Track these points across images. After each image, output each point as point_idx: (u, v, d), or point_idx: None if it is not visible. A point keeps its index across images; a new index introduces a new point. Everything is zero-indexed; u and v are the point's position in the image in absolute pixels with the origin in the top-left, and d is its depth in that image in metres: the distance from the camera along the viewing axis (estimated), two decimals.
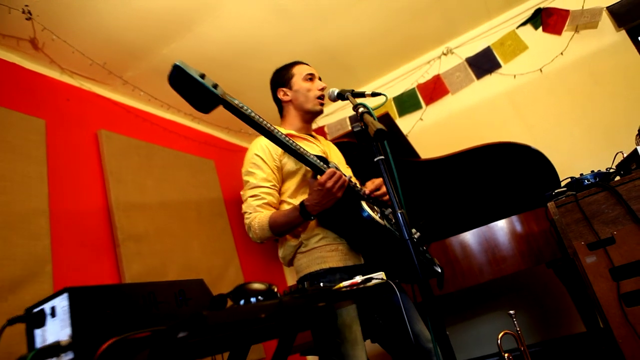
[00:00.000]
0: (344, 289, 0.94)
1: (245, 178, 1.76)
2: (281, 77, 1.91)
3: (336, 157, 1.96)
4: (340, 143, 2.29)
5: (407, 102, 4.10)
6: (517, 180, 2.93)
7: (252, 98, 3.61)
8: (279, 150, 1.73)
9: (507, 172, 2.93)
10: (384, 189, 1.72)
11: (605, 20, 3.40)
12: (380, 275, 1.00)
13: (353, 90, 1.44)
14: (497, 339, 1.83)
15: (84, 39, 2.60)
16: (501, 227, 2.54)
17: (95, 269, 2.58)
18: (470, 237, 2.55)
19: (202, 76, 1.19)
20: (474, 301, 3.55)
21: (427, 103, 4.03)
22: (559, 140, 3.46)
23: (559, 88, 3.55)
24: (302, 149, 1.47)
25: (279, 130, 1.41)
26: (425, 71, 4.06)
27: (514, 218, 2.54)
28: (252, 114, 1.29)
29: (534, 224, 2.50)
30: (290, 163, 1.72)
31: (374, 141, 0.89)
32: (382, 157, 1.01)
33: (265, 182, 1.70)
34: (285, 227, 1.63)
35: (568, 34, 3.54)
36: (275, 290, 0.81)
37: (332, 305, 0.92)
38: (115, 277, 2.67)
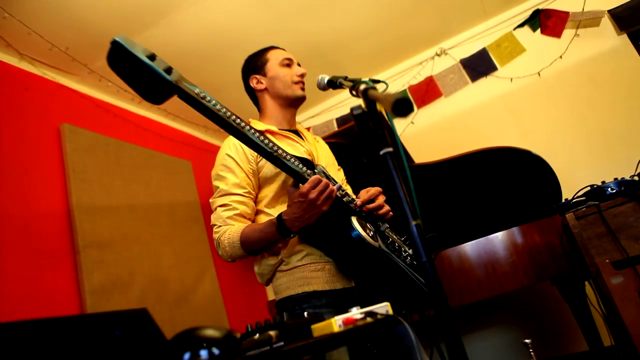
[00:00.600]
0: (339, 329, 0.70)
1: (215, 183, 1.50)
2: (253, 63, 1.66)
3: (325, 158, 1.69)
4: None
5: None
6: (516, 189, 2.73)
7: (233, 96, 3.37)
8: None
9: (505, 180, 2.73)
10: (380, 200, 1.46)
11: (607, 24, 3.25)
12: (385, 307, 0.76)
13: (347, 77, 1.21)
14: None
15: (42, 20, 2.31)
16: (502, 239, 2.33)
17: (50, 280, 2.29)
18: (468, 249, 2.33)
19: (152, 57, 0.93)
20: (468, 317, 3.33)
21: (419, 106, 3.83)
22: (557, 147, 3.28)
23: (558, 92, 3.38)
24: (279, 151, 1.21)
25: (250, 127, 1.15)
26: (417, 72, 3.86)
27: (515, 230, 2.33)
28: (216, 106, 1.04)
29: (538, 237, 2.29)
30: (268, 166, 1.47)
31: (394, 115, 0.65)
32: (390, 149, 0.78)
33: (238, 188, 1.44)
34: (259, 245, 1.38)
35: (567, 37, 3.38)
36: (238, 336, 0.57)
37: (322, 356, 0.67)
38: (73, 288, 2.38)
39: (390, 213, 1.45)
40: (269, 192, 1.48)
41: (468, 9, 3.51)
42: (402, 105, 0.66)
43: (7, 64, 2.54)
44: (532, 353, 1.64)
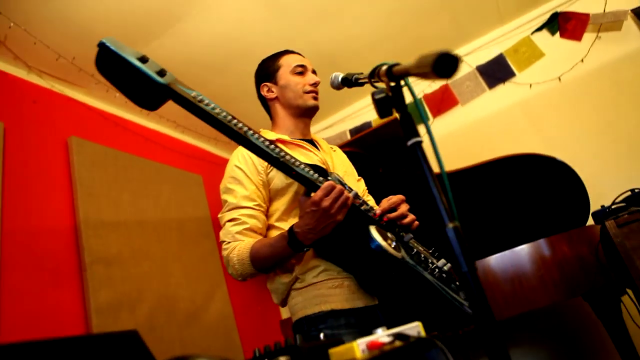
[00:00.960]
0: (362, 355, 0.59)
1: (224, 197, 1.40)
2: (265, 70, 1.57)
3: (342, 168, 1.58)
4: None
5: (413, 114, 3.78)
6: (541, 198, 2.59)
7: (244, 107, 3.30)
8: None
9: (529, 189, 2.59)
10: (403, 208, 1.34)
11: (630, 24, 3.12)
12: (417, 328, 0.64)
13: (362, 73, 1.11)
14: None
15: (48, 30, 2.27)
16: (528, 251, 2.18)
17: (55, 298, 2.20)
18: (493, 263, 2.19)
19: (143, 59, 0.86)
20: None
21: (435, 115, 3.71)
22: (581, 155, 3.12)
23: (580, 98, 3.24)
24: (287, 157, 1.10)
25: (255, 132, 1.05)
26: (432, 80, 3.75)
27: (543, 241, 2.18)
28: (215, 110, 0.94)
29: (567, 248, 2.14)
30: (279, 177, 1.36)
31: (437, 76, 0.55)
32: (420, 139, 0.67)
33: (247, 201, 1.34)
34: (270, 262, 1.27)
35: (589, 40, 3.25)
36: None
37: None
38: (78, 307, 2.29)
39: (416, 222, 1.34)
40: (280, 205, 1.38)
41: (483, 14, 3.41)
42: (446, 62, 0.55)
43: (16, 77, 2.51)
44: None
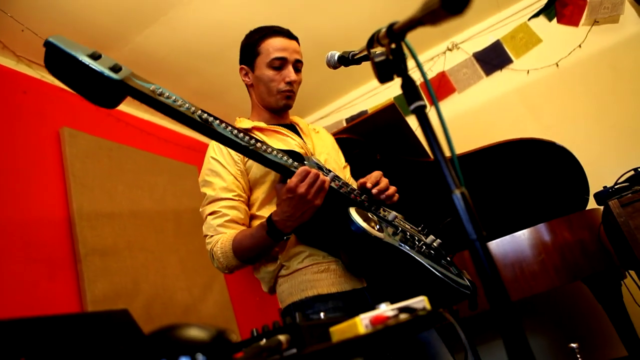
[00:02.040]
0: (366, 331, 0.56)
1: (203, 190, 1.37)
2: (246, 50, 1.48)
3: (325, 151, 1.52)
4: (337, 141, 1.90)
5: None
6: (540, 183, 2.57)
7: (238, 96, 3.25)
8: None
9: (528, 174, 2.57)
10: (383, 182, 1.32)
11: (628, 9, 3.09)
12: (422, 302, 0.61)
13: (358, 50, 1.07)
14: None
15: (36, 18, 2.21)
16: (528, 236, 2.16)
17: (48, 289, 2.17)
18: (493, 248, 2.17)
19: (95, 56, 0.82)
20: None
21: (431, 102, 3.67)
22: (579, 140, 3.09)
23: (578, 84, 3.22)
24: (258, 144, 1.06)
25: (223, 123, 1.00)
26: (429, 68, 3.71)
27: (543, 226, 2.16)
28: (176, 102, 0.91)
29: (567, 233, 2.13)
30: (256, 166, 1.33)
31: (448, 13, 0.51)
32: (422, 102, 0.64)
33: (226, 192, 1.31)
34: (253, 252, 1.24)
35: (586, 25, 3.22)
36: (233, 339, 0.43)
37: None
38: (74, 298, 2.26)
39: (397, 195, 1.32)
40: (260, 194, 1.35)
41: (479, 1, 3.37)
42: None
43: (4, 67, 2.46)
44: (579, 358, 1.47)
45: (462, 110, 3.59)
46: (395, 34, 0.65)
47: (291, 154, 1.17)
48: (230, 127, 1.02)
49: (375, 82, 3.79)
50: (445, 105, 3.64)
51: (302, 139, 1.47)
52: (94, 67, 0.80)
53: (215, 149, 1.38)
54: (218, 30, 2.80)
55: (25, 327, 0.53)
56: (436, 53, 3.70)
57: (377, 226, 1.17)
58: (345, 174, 1.61)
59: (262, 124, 1.44)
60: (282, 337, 0.60)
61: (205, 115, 0.97)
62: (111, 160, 2.77)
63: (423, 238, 1.32)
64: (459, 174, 0.58)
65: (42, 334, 0.54)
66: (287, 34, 1.46)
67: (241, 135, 1.02)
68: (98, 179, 2.63)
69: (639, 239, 1.33)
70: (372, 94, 3.87)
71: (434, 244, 1.29)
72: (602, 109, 3.11)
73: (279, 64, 1.41)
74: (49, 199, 2.37)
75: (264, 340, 0.61)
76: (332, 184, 1.18)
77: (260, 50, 1.42)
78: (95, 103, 0.85)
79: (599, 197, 1.49)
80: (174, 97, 0.92)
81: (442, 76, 3.66)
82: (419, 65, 0.67)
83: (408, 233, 1.26)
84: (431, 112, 0.66)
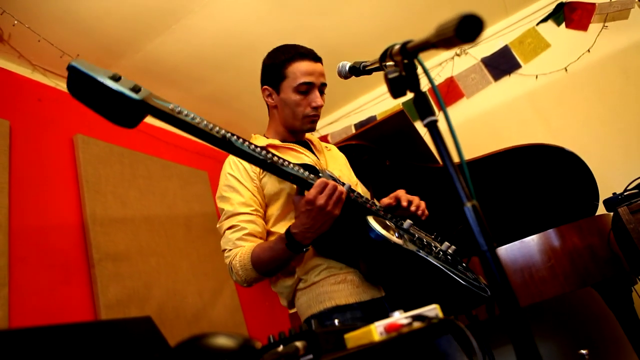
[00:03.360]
0: (381, 338, 0.58)
1: (220, 206, 1.38)
2: (270, 71, 1.47)
3: (337, 166, 1.55)
4: (347, 148, 1.91)
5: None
6: (549, 189, 2.57)
7: (248, 103, 3.29)
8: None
9: (536, 180, 2.57)
10: (416, 199, 1.34)
11: (637, 12, 3.09)
12: (435, 310, 0.63)
13: (369, 61, 1.09)
14: None
15: (51, 27, 2.27)
16: (537, 242, 2.16)
17: (64, 293, 2.21)
18: (502, 253, 2.17)
19: (116, 78, 0.85)
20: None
21: (440, 108, 3.68)
22: (589, 145, 3.10)
23: (587, 88, 3.21)
24: (275, 158, 1.08)
25: (240, 139, 1.03)
26: (437, 73, 3.73)
27: (552, 232, 2.16)
28: (195, 120, 0.93)
29: (577, 238, 2.12)
30: (271, 182, 1.35)
31: (462, 40, 0.53)
32: (435, 117, 0.66)
33: (245, 207, 1.32)
34: (272, 265, 1.25)
35: (595, 29, 3.22)
36: (258, 347, 0.45)
37: None
38: (88, 302, 2.29)
39: (426, 212, 1.33)
40: (275, 210, 1.37)
41: (487, 6, 3.39)
42: (470, 24, 0.53)
43: (20, 76, 2.51)
44: None
45: (470, 115, 3.59)
46: (409, 53, 0.67)
47: (307, 167, 1.19)
48: (247, 143, 1.04)
49: (383, 87, 3.82)
50: (454, 110, 3.65)
51: (316, 156, 1.49)
52: (115, 88, 0.83)
53: (232, 165, 1.40)
54: (228, 39, 2.84)
55: (48, 336, 0.55)
56: (444, 58, 3.72)
57: (396, 233, 1.18)
58: (352, 181, 1.63)
59: (276, 142, 1.45)
60: (299, 344, 0.62)
61: (223, 131, 1.00)
62: (123, 166, 2.81)
63: (438, 245, 1.34)
64: (470, 187, 0.59)
65: (65, 342, 0.56)
66: (313, 57, 1.46)
67: (258, 149, 1.05)
68: (111, 185, 2.67)
69: None
70: (381, 99, 3.89)
71: (449, 250, 1.31)
72: (612, 113, 3.10)
73: (306, 89, 1.41)
74: (63, 205, 2.42)
75: (281, 347, 0.63)
76: (349, 194, 1.20)
77: (287, 74, 1.42)
78: (117, 123, 0.87)
79: (608, 203, 1.49)
80: (192, 115, 0.95)
81: (450, 81, 3.67)
82: (431, 82, 0.69)
83: (425, 240, 1.28)
84: (441, 122, 0.68)
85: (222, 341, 0.44)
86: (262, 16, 2.75)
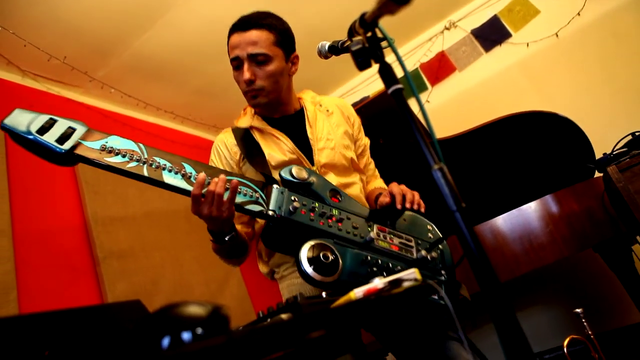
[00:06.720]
0: (355, 297, 0.59)
1: None
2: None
3: (329, 145, 1.40)
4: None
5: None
6: (545, 155, 2.57)
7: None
8: (237, 151, 1.37)
9: (532, 147, 2.57)
10: (409, 194, 1.26)
11: None
12: (413, 274, 0.65)
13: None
14: (563, 346, 1.47)
15: (37, 31, 2.27)
16: (535, 208, 2.17)
17: (72, 293, 2.25)
18: (501, 222, 2.19)
19: (43, 129, 0.93)
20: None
21: (433, 83, 3.67)
22: (584, 109, 3.07)
23: (579, 52, 3.19)
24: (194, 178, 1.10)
25: (173, 170, 1.07)
26: (427, 49, 3.71)
27: (549, 198, 2.17)
28: (125, 157, 0.98)
29: (574, 202, 2.13)
30: (250, 171, 1.33)
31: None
32: (400, 85, 0.67)
33: None
34: (221, 254, 1.33)
35: None
36: (226, 316, 0.47)
37: (333, 336, 0.56)
38: (96, 300, 2.34)
39: (422, 204, 1.27)
40: None
41: None
42: None
43: (11, 82, 2.52)
44: (585, 323, 1.50)
45: (464, 88, 3.58)
46: (368, 23, 0.68)
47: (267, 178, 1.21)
48: (180, 174, 1.08)
49: (374, 68, 3.80)
50: (447, 84, 3.64)
51: (306, 132, 1.40)
52: (41, 141, 0.92)
53: (214, 150, 1.43)
54: (216, 28, 2.82)
55: (48, 321, 0.58)
56: (434, 33, 3.69)
57: (332, 256, 1.08)
58: (364, 158, 1.60)
59: (260, 125, 1.40)
60: (284, 316, 0.64)
61: (155, 164, 1.04)
62: None
63: (411, 253, 1.26)
64: (438, 150, 0.61)
65: (63, 326, 0.58)
66: (242, 26, 1.32)
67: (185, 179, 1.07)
68: (110, 185, 2.69)
69: (639, 202, 1.34)
70: (372, 79, 3.87)
71: (427, 255, 1.24)
72: (606, 75, 3.08)
73: (236, 65, 1.32)
74: (64, 208, 2.45)
75: (269, 320, 0.66)
76: (299, 212, 1.14)
77: (228, 52, 1.35)
78: (58, 164, 0.97)
79: (599, 164, 1.49)
80: (124, 151, 0.98)
81: (441, 56, 3.65)
82: (393, 50, 0.69)
83: (380, 260, 1.18)
84: (434, 97, 0.68)
85: (193, 309, 0.46)
86: (244, 4, 2.73)
